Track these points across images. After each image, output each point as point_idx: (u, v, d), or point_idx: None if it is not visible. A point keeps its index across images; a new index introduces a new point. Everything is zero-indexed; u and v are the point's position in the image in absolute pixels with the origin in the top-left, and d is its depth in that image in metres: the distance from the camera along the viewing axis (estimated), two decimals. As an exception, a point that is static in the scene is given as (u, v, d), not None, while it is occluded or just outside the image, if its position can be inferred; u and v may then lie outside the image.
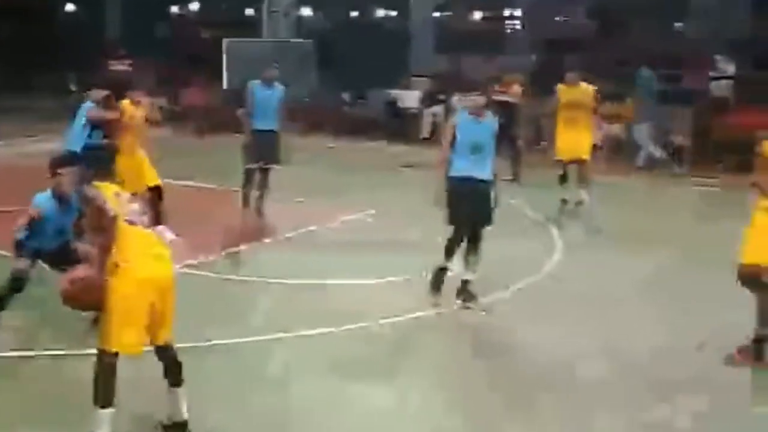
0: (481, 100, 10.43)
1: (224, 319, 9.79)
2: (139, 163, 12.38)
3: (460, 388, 8.40)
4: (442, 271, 10.50)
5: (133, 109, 12.45)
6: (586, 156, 15.65)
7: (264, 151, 14.47)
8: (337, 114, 26.30)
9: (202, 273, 11.34)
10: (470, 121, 10.35)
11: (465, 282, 10.50)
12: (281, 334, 9.36)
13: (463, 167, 10.25)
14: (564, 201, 15.76)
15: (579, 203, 15.65)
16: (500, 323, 10.23)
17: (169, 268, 6.95)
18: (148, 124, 12.82)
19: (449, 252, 10.42)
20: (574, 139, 15.59)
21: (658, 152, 20.70)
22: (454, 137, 10.30)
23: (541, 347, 9.33)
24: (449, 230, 10.42)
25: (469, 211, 10.28)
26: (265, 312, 10.12)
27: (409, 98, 25.71)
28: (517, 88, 18.76)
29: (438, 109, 24.59)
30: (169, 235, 11.68)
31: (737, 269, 8.86)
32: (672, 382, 8.43)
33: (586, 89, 15.76)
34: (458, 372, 8.88)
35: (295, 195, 15.57)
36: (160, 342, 6.96)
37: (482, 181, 10.31)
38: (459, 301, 10.46)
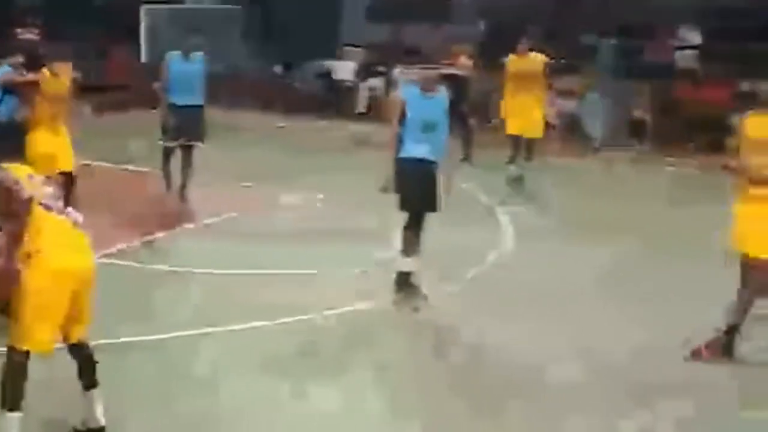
0: (432, 73, 10.34)
1: (146, 313, 9.68)
2: (61, 142, 12.26)
3: (413, 390, 8.30)
4: (404, 275, 10.36)
5: (54, 81, 12.30)
6: (538, 135, 16.11)
7: (184, 128, 14.39)
8: (286, 90, 26.01)
9: (121, 262, 11.23)
10: (420, 96, 10.20)
11: (406, 274, 10.42)
12: (209, 329, 9.30)
13: (414, 148, 10.10)
14: (513, 180, 16.02)
15: (519, 179, 15.99)
16: (457, 318, 10.16)
17: (89, 258, 6.90)
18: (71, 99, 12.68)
19: (407, 243, 10.29)
20: (526, 114, 15.93)
21: (597, 132, 20.94)
22: (403, 114, 10.17)
23: (503, 345, 9.23)
24: (403, 218, 10.31)
25: (419, 194, 10.17)
26: (192, 305, 10.02)
27: (343, 70, 25.52)
28: (465, 60, 18.77)
29: (376, 82, 24.52)
30: (77, 217, 11.59)
31: (742, 260, 8.85)
32: (651, 385, 8.36)
33: (536, 58, 16.09)
34: (411, 371, 8.79)
35: (242, 179, 15.50)
36: (75, 340, 6.91)
37: (434, 162, 10.19)
38: (400, 295, 10.36)
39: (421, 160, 10.10)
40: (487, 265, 11.79)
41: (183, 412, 7.63)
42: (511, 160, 16.13)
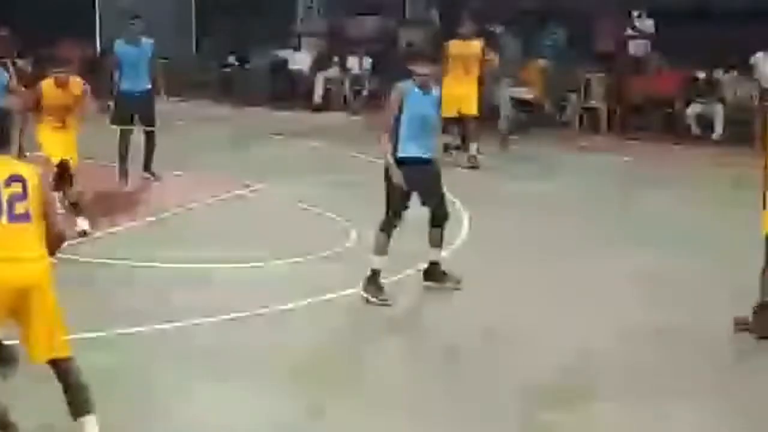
0: (435, 70, 10.13)
1: (96, 309, 9.31)
2: (66, 139, 12.14)
3: (382, 389, 7.94)
4: (376, 274, 10.07)
5: (59, 92, 12.04)
6: (473, 113, 16.86)
7: (137, 113, 14.50)
8: (242, 81, 25.56)
9: (73, 257, 10.66)
10: (418, 92, 9.97)
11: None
12: (159, 326, 9.00)
13: (415, 146, 9.92)
14: (446, 146, 16.28)
15: (472, 158, 16.84)
16: (426, 312, 10.07)
17: (25, 269, 6.26)
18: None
19: (381, 243, 10.02)
20: (462, 94, 16.60)
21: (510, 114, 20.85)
22: (399, 110, 9.92)
23: (477, 340, 8.92)
24: (382, 216, 10.03)
25: (428, 192, 10.03)
26: (137, 300, 9.75)
27: (299, 60, 25.12)
28: None
29: (333, 72, 24.17)
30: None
31: None
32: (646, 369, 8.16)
33: (475, 43, 17.01)
34: (376, 368, 8.47)
35: (198, 171, 15.28)
36: (42, 359, 6.36)
37: (432, 159, 10.15)
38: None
39: (425, 160, 9.99)
40: (449, 258, 11.40)
41: (120, 413, 7.09)
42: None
